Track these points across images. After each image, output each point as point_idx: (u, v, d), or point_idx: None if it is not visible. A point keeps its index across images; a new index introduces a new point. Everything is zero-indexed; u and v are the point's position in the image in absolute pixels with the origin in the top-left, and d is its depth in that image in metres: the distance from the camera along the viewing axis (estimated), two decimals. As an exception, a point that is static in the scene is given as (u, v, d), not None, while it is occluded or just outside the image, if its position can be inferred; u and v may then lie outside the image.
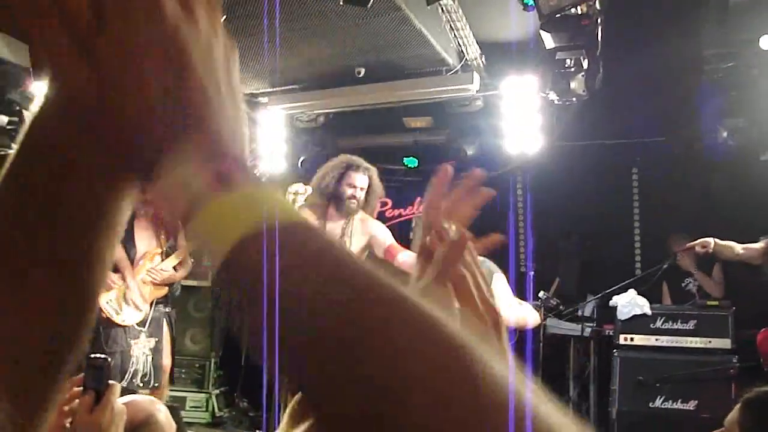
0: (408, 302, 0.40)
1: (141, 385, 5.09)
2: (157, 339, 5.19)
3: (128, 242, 5.23)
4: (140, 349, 5.12)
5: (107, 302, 5.05)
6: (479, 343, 0.40)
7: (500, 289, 4.42)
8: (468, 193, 0.86)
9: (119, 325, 5.05)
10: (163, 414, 1.92)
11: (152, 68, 0.45)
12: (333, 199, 4.61)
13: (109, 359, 1.67)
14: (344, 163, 4.68)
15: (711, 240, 5.17)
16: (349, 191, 4.59)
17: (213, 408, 6.34)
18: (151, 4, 0.45)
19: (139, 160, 0.46)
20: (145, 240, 5.23)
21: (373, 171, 4.75)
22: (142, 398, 2.04)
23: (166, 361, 5.27)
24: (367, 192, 4.64)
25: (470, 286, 0.70)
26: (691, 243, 5.28)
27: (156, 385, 5.15)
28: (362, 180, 4.63)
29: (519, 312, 4.49)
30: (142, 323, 5.15)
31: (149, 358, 5.11)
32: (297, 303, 0.40)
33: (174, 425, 1.91)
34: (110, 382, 1.60)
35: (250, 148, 0.49)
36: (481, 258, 3.22)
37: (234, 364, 6.50)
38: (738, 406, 1.95)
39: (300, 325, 0.39)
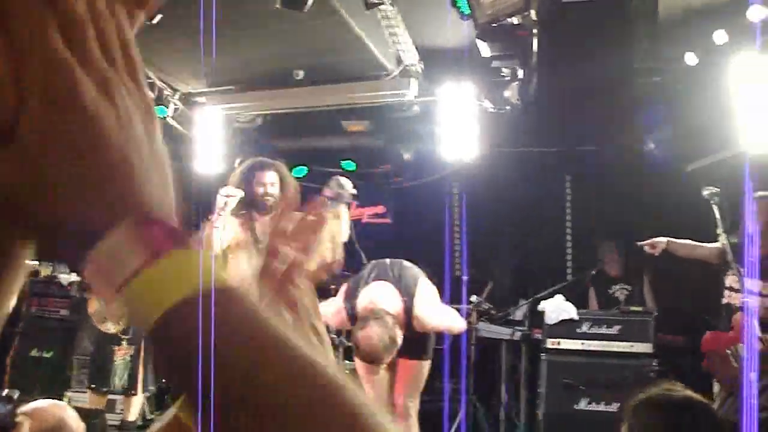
0: (304, 366, 0.46)
1: (120, 390, 5.15)
2: (136, 346, 5.27)
3: None
4: (120, 357, 5.20)
5: (95, 312, 5.22)
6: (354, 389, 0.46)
7: (425, 294, 4.42)
8: (310, 220, 0.89)
9: (95, 327, 5.24)
10: (72, 418, 1.90)
11: (73, 151, 0.46)
12: (250, 203, 4.62)
13: (15, 395, 1.65)
14: (249, 166, 4.70)
15: (662, 240, 5.30)
16: (260, 190, 4.59)
17: (144, 411, 6.24)
18: (70, 88, 0.46)
19: (70, 243, 0.48)
20: None
21: (280, 165, 4.75)
22: (50, 404, 2.00)
23: (141, 368, 5.35)
24: (281, 187, 4.64)
25: (300, 309, 0.74)
26: (642, 243, 5.42)
27: (133, 392, 5.18)
28: (271, 176, 4.61)
29: (445, 318, 4.53)
30: (124, 331, 5.26)
31: (129, 365, 5.17)
32: (217, 362, 0.45)
33: (83, 427, 1.89)
34: (17, 420, 1.58)
35: (176, 211, 0.51)
36: (407, 263, 3.26)
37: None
38: (626, 412, 2.02)
39: (219, 380, 0.45)
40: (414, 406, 4.52)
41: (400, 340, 4.16)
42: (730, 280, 5.04)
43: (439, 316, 4.47)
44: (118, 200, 0.47)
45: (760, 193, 4.75)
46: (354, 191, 4.62)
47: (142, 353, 5.31)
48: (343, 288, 4.52)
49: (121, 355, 5.19)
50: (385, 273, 4.45)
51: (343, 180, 4.69)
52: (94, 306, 5.32)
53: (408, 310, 4.31)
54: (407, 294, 4.34)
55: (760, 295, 4.78)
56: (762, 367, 4.19)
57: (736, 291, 4.98)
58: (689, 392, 1.98)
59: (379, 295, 4.30)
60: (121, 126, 0.48)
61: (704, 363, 5.01)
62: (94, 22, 0.48)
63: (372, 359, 4.15)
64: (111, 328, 5.25)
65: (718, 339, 4.97)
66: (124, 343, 5.23)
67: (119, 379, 5.15)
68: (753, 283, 4.83)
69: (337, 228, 4.57)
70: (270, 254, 0.83)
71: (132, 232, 0.47)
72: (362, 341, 4.09)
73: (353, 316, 4.32)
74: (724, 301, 5.08)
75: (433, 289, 4.52)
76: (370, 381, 4.43)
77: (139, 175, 0.48)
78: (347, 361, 4.84)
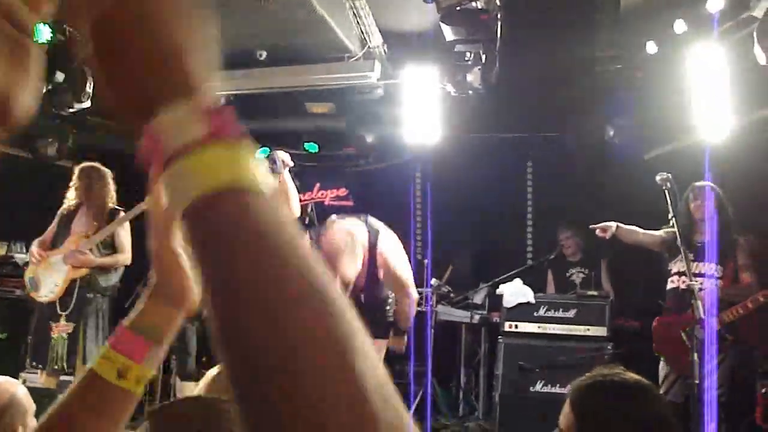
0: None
1: (56, 368, 5.01)
2: (76, 325, 5.10)
3: (66, 225, 5.27)
4: (58, 333, 5.07)
5: (29, 278, 5.12)
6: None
7: (390, 237, 4.64)
8: None
9: (41, 304, 5.11)
10: (24, 396, 1.88)
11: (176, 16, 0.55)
12: None
13: None
14: None
15: (613, 224, 5.41)
16: None
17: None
18: None
19: (145, 96, 0.54)
20: (81, 226, 5.25)
21: None
22: (2, 380, 1.98)
23: (92, 345, 5.15)
24: None
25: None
26: (594, 225, 5.52)
27: (70, 371, 5.06)
28: None
29: (406, 270, 4.66)
30: (64, 307, 5.10)
31: (66, 343, 5.03)
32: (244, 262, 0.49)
33: (33, 406, 1.88)
34: None
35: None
36: (364, 217, 3.25)
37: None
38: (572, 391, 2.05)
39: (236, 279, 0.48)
40: None
41: (360, 253, 4.20)
42: (678, 265, 5.17)
43: (403, 263, 4.65)
44: (194, 75, 0.53)
45: (698, 183, 4.85)
46: (290, 163, 4.57)
47: (85, 330, 5.14)
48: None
49: (59, 331, 5.05)
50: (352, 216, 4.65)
51: (278, 153, 4.65)
52: (30, 272, 5.19)
53: (373, 244, 4.46)
54: (373, 230, 4.42)
55: (707, 276, 4.92)
56: (718, 345, 4.30)
57: (684, 275, 5.11)
58: (630, 374, 2.02)
59: (346, 223, 4.43)
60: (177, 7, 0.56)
61: (654, 347, 5.13)
62: None
63: (333, 258, 4.19)
64: (43, 297, 5.11)
65: (669, 322, 5.09)
66: (62, 319, 5.08)
67: (58, 358, 5.01)
68: (708, 267, 4.96)
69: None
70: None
71: (202, 107, 0.52)
72: (324, 243, 4.16)
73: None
74: (671, 286, 5.21)
75: (396, 239, 4.65)
76: None
77: (191, 56, 0.54)
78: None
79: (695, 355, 4.00)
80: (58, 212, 5.37)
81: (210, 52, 0.56)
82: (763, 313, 5.13)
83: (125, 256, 5.32)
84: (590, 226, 5.55)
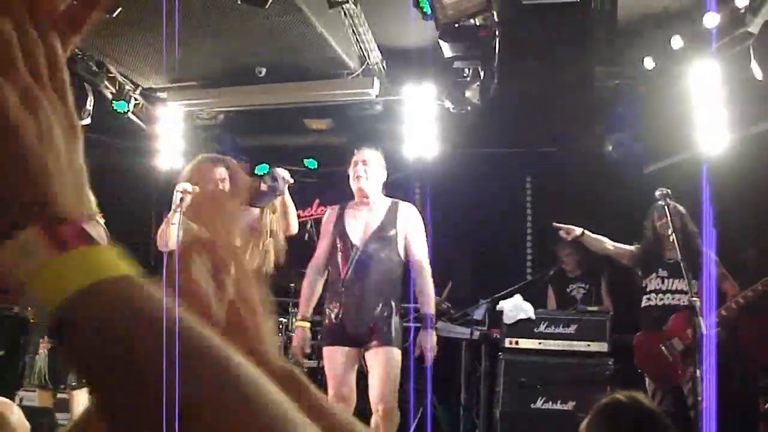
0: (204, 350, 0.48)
1: (42, 384, 4.99)
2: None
3: None
4: (42, 349, 5.04)
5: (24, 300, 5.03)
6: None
7: (414, 222, 4.58)
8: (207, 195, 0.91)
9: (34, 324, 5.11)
10: (15, 415, 1.86)
11: None
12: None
13: None
14: (199, 162, 4.63)
15: (577, 229, 5.47)
16: (210, 187, 4.55)
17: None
18: None
19: None
20: None
21: (229, 161, 4.72)
22: (-7, 401, 1.96)
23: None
24: (231, 182, 4.57)
25: (194, 270, 0.76)
26: (558, 225, 5.58)
27: (52, 387, 5.03)
28: (220, 172, 4.57)
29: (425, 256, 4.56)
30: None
31: (46, 359, 5.01)
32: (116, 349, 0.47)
33: (27, 426, 1.86)
34: None
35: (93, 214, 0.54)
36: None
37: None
38: (591, 412, 2.05)
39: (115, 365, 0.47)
40: (395, 398, 4.35)
41: None
42: (653, 283, 5.20)
43: (423, 250, 4.56)
44: (32, 203, 0.51)
45: (660, 201, 4.87)
46: (290, 180, 4.53)
47: None
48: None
49: (43, 347, 5.04)
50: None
51: (279, 171, 4.61)
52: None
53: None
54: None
55: (686, 293, 4.94)
56: (690, 359, 4.31)
57: (663, 293, 5.15)
58: (643, 401, 2.02)
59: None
60: (40, 135, 0.52)
61: (637, 364, 5.16)
62: (21, 41, 0.52)
63: None
64: (30, 316, 5.12)
65: (650, 338, 5.12)
66: (46, 335, 5.07)
67: (41, 374, 4.99)
68: (681, 283, 5.01)
69: (275, 220, 4.57)
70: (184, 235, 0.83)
71: (42, 231, 0.50)
72: None
73: None
74: (646, 303, 5.24)
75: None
76: (335, 368, 4.36)
77: (54, 183, 0.52)
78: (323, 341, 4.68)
79: (697, 371, 3.98)
80: None
81: (77, 173, 0.55)
82: (763, 318, 5.15)
83: None
84: (554, 224, 5.62)
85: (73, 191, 0.54)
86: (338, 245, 4.55)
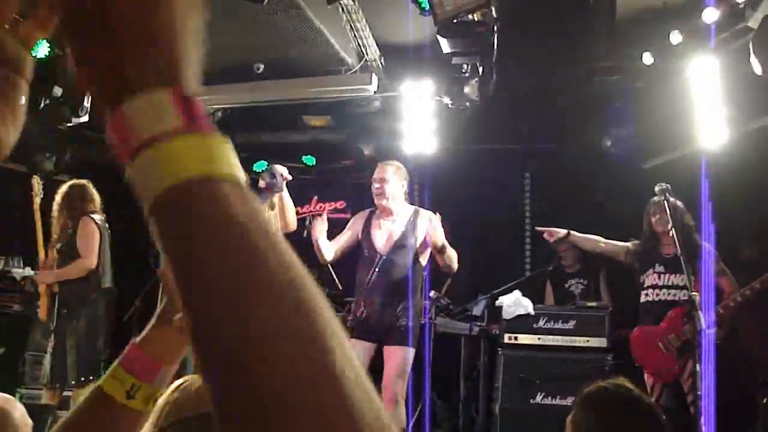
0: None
1: (45, 383, 5.00)
2: (59, 339, 5.10)
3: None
4: (50, 348, 5.09)
5: (39, 302, 5.21)
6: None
7: (433, 225, 5.00)
8: None
9: (40, 321, 5.22)
10: (18, 412, 1.86)
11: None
12: None
13: None
14: None
15: (562, 231, 5.49)
16: None
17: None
18: None
19: (117, 82, 0.50)
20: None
21: None
22: (-6, 397, 1.96)
23: (71, 361, 5.11)
24: None
25: None
26: (541, 229, 5.67)
27: (57, 386, 5.04)
28: None
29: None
30: (52, 321, 5.14)
31: (50, 359, 5.03)
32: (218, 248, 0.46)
33: (30, 424, 1.86)
34: None
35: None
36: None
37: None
38: (577, 402, 2.06)
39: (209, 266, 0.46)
40: (402, 393, 4.74)
41: None
42: (650, 279, 5.21)
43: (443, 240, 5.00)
44: (162, 65, 0.50)
45: (656, 197, 4.88)
46: (289, 177, 4.57)
47: (70, 344, 5.10)
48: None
49: (49, 347, 5.05)
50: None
51: (277, 168, 4.62)
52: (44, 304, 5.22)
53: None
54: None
55: (684, 288, 4.96)
56: (691, 354, 4.32)
57: (660, 288, 5.16)
58: (628, 388, 2.02)
59: None
60: (183, 11, 0.52)
61: (635, 359, 5.17)
62: None
63: None
64: (39, 314, 5.17)
65: (647, 333, 5.13)
66: (52, 334, 5.08)
67: (45, 373, 5.00)
68: (680, 278, 5.01)
69: (272, 217, 4.61)
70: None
71: (177, 98, 0.49)
72: None
73: None
74: (644, 299, 5.25)
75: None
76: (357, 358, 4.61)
77: (182, 52, 0.51)
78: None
79: (697, 366, 3.99)
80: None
81: (198, 34, 0.54)
82: (762, 312, 5.17)
83: (82, 262, 5.18)
84: (537, 228, 5.64)
85: (195, 70, 0.53)
86: (365, 251, 5.03)
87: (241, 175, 0.50)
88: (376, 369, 4.86)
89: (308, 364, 0.44)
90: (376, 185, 4.98)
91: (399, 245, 4.93)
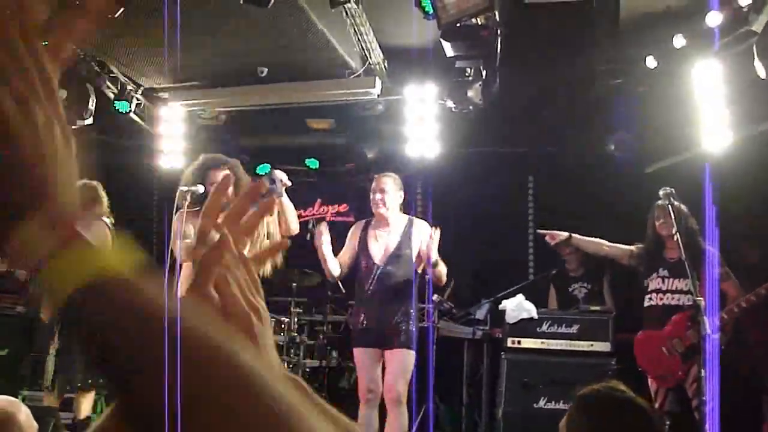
0: (195, 338, 0.51)
1: (45, 386, 4.98)
2: (64, 341, 5.09)
3: None
4: (51, 351, 5.09)
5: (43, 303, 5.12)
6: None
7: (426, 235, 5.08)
8: (249, 204, 0.90)
9: (44, 323, 5.20)
10: (23, 414, 1.86)
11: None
12: (202, 203, 4.56)
13: None
14: (202, 164, 4.63)
15: (563, 234, 5.48)
16: (213, 190, 4.52)
17: (101, 410, 6.16)
18: None
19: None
20: None
21: (234, 163, 4.71)
22: (2, 399, 1.97)
23: (77, 363, 5.09)
24: (234, 185, 4.55)
25: (233, 286, 0.75)
26: (542, 231, 5.67)
27: (65, 387, 5.04)
28: (223, 175, 4.54)
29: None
30: (56, 325, 5.11)
31: (54, 360, 5.02)
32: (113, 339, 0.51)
33: (35, 426, 1.86)
34: None
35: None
36: None
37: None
38: (571, 406, 2.05)
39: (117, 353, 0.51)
40: (404, 394, 4.90)
41: None
42: (654, 283, 5.20)
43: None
44: (40, 191, 0.55)
45: (660, 201, 4.87)
46: (288, 182, 4.60)
47: (68, 348, 5.07)
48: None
49: (52, 349, 5.05)
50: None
51: (277, 173, 4.65)
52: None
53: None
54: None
55: (688, 293, 4.96)
56: (697, 358, 4.31)
57: (663, 292, 5.15)
58: (622, 389, 2.02)
59: None
60: (37, 141, 0.56)
61: (638, 361, 5.15)
62: (10, 53, 0.56)
63: None
64: (42, 316, 5.15)
65: (651, 337, 5.11)
66: (56, 337, 5.08)
67: (48, 375, 4.99)
68: (684, 283, 5.02)
69: (272, 222, 4.63)
70: (198, 237, 0.83)
71: (51, 219, 0.54)
72: None
73: None
74: (648, 303, 5.23)
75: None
76: (364, 367, 4.96)
77: (54, 176, 0.56)
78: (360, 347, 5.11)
79: (702, 371, 3.98)
80: None
81: (70, 163, 0.58)
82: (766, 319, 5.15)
83: None
84: (538, 231, 5.64)
85: (68, 191, 0.57)
86: (362, 262, 5.16)
87: (118, 269, 0.54)
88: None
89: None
90: (376, 195, 5.12)
91: (395, 255, 5.09)
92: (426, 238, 5.07)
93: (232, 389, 0.49)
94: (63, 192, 0.57)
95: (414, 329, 5.02)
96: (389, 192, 5.12)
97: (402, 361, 4.92)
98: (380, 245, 5.14)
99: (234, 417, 0.47)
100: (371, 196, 5.18)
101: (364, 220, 5.35)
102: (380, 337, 4.97)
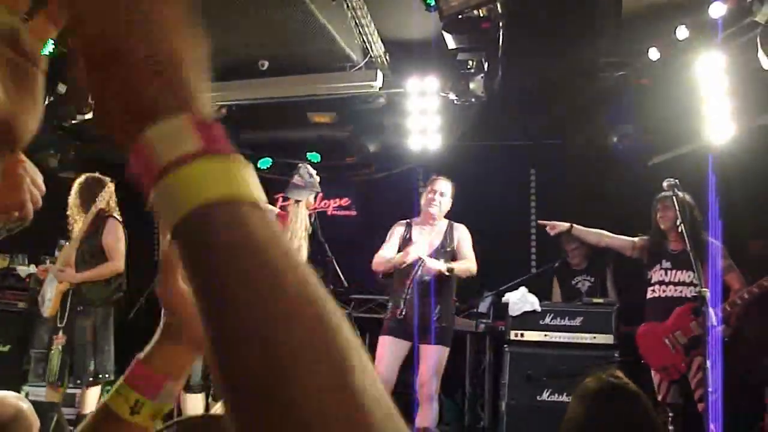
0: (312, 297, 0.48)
1: (52, 381, 4.98)
2: (68, 337, 5.09)
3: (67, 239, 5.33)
4: (56, 346, 5.06)
5: (39, 296, 5.17)
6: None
7: (465, 238, 5.39)
8: None
9: (46, 318, 5.18)
10: (30, 411, 1.87)
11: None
12: None
13: None
14: None
15: (564, 224, 5.46)
16: None
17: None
18: None
19: (136, 110, 0.52)
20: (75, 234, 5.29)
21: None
22: (8, 395, 1.97)
23: (85, 359, 5.12)
24: None
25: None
26: (543, 222, 5.67)
27: (73, 382, 5.05)
28: None
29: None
30: (61, 320, 5.10)
31: (60, 356, 5.01)
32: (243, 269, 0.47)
33: (38, 421, 1.86)
34: None
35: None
36: None
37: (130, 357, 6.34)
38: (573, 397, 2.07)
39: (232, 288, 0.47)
40: (437, 390, 5.11)
41: None
42: (657, 274, 5.19)
43: (472, 256, 5.37)
44: (177, 91, 0.52)
45: (663, 193, 4.86)
46: (317, 176, 4.68)
47: (75, 342, 5.11)
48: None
49: (56, 344, 5.04)
50: None
51: (311, 169, 4.70)
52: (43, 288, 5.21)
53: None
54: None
55: (691, 284, 4.94)
56: (700, 350, 4.31)
57: (666, 284, 5.15)
58: (617, 375, 2.04)
59: None
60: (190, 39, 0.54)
61: (641, 353, 5.15)
62: None
63: None
64: (44, 311, 5.12)
65: (653, 330, 5.10)
66: (60, 332, 5.07)
67: (53, 371, 4.99)
68: (686, 275, 5.05)
69: (305, 216, 4.75)
70: None
71: (195, 122, 0.50)
72: None
73: None
74: (651, 295, 5.22)
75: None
76: (388, 355, 5.05)
77: (193, 77, 0.53)
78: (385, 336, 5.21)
79: (706, 362, 3.97)
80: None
81: (205, 63, 0.55)
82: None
83: (114, 265, 5.24)
84: (539, 222, 5.63)
85: (204, 79, 0.54)
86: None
87: (262, 197, 0.51)
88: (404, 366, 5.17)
89: (332, 388, 0.45)
90: (435, 196, 5.36)
91: (438, 253, 5.27)
92: (462, 237, 5.36)
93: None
94: (203, 98, 0.53)
95: (448, 325, 5.19)
96: (446, 195, 5.40)
97: (439, 357, 5.05)
98: (424, 242, 5.30)
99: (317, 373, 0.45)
100: (426, 195, 5.41)
101: (405, 220, 5.53)
102: (416, 331, 5.08)
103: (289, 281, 0.47)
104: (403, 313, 5.11)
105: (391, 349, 5.11)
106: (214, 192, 0.48)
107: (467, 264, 5.31)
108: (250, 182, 0.50)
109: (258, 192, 0.50)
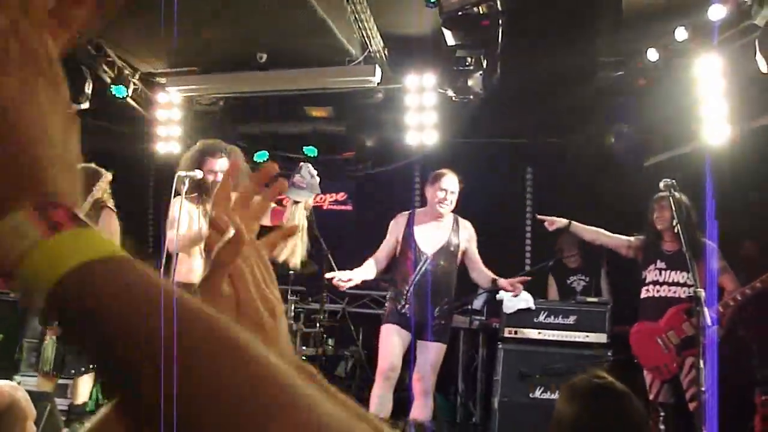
0: (200, 325, 0.48)
1: (47, 370, 4.97)
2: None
3: None
4: (50, 336, 5.02)
5: None
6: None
7: (471, 234, 5.34)
8: (259, 186, 0.88)
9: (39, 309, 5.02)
10: (25, 400, 1.87)
11: None
12: (199, 189, 4.56)
13: None
14: (200, 150, 4.60)
15: (562, 220, 5.46)
16: (210, 178, 4.52)
17: (97, 396, 6.16)
18: None
19: None
20: None
21: (233, 150, 4.68)
22: (3, 383, 1.97)
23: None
24: (233, 173, 4.51)
25: (248, 279, 0.73)
26: (542, 217, 5.62)
27: (58, 374, 5.03)
28: (222, 164, 4.54)
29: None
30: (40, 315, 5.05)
31: (54, 346, 4.99)
32: (111, 324, 0.47)
33: (33, 410, 1.86)
34: None
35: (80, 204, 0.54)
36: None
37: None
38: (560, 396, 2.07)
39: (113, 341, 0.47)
40: (434, 385, 5.08)
41: None
42: (652, 274, 5.20)
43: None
44: (23, 184, 0.52)
45: (660, 193, 4.86)
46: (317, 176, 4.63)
47: None
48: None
49: (50, 334, 5.03)
50: None
51: (312, 168, 4.65)
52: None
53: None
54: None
55: (685, 285, 4.93)
56: (692, 350, 4.32)
57: (660, 284, 5.16)
58: (602, 375, 2.04)
59: None
60: (34, 121, 0.53)
61: (633, 352, 5.16)
62: (16, 34, 0.54)
63: None
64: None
65: (646, 329, 5.11)
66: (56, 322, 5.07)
67: (47, 361, 4.98)
68: (679, 275, 5.06)
69: (302, 217, 4.65)
70: (210, 226, 0.81)
71: (33, 212, 0.50)
72: None
73: None
74: (645, 294, 5.23)
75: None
76: (393, 344, 4.97)
77: (46, 167, 0.53)
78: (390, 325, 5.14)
79: (701, 362, 3.98)
80: None
81: (71, 160, 0.56)
82: (762, 312, 5.16)
83: None
84: (537, 216, 5.63)
85: (66, 176, 0.54)
86: (407, 253, 5.18)
87: (108, 247, 0.50)
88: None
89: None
90: (446, 195, 5.12)
91: (443, 249, 5.17)
92: (471, 236, 5.30)
93: (240, 371, 0.46)
94: (59, 177, 0.53)
95: (448, 322, 5.18)
96: (456, 194, 5.18)
97: (438, 354, 5.03)
98: (429, 237, 5.18)
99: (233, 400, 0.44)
100: (434, 192, 5.16)
101: (406, 212, 5.35)
102: (417, 327, 5.03)
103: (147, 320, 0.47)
104: (405, 308, 5.07)
105: (396, 338, 5.03)
106: (66, 264, 0.48)
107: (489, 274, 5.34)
108: (93, 242, 0.50)
109: (101, 247, 0.50)
